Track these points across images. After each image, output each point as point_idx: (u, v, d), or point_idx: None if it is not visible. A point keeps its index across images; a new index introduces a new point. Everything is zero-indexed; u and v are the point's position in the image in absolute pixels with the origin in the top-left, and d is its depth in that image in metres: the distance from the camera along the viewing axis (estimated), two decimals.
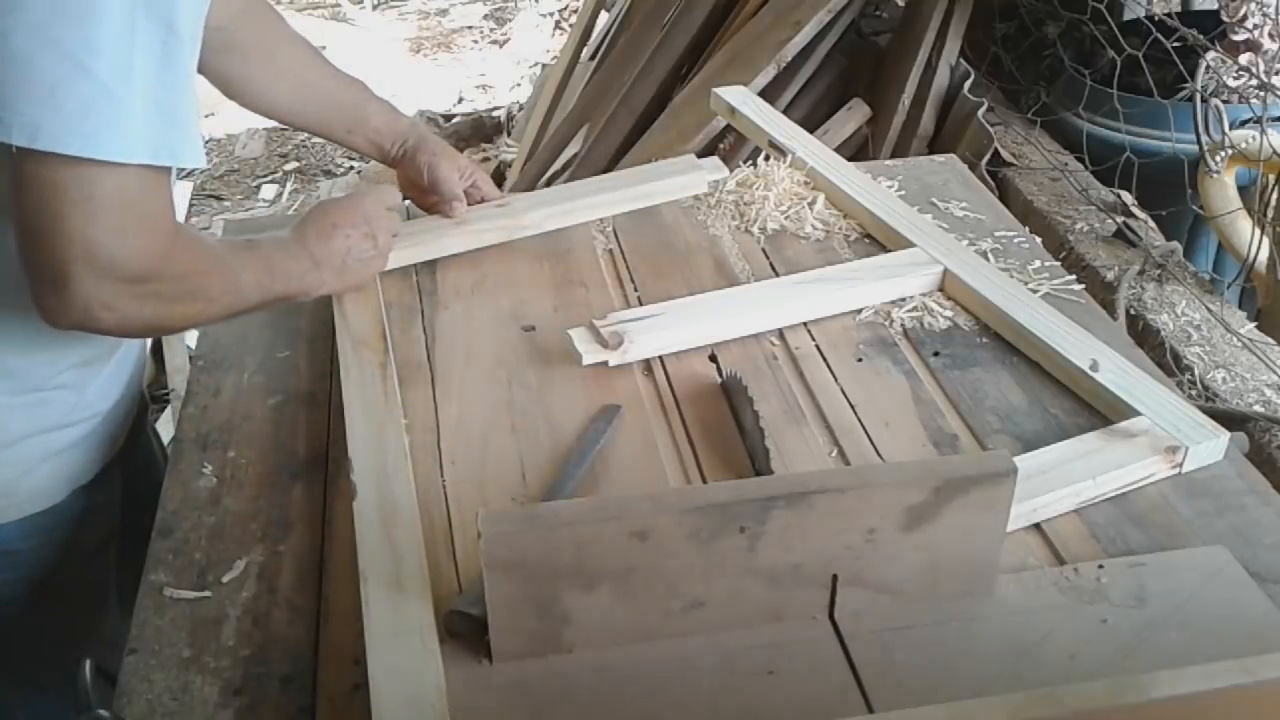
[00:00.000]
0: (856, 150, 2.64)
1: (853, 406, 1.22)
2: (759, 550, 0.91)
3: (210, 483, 1.15)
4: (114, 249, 0.98)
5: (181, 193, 4.08)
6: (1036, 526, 1.07)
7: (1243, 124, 2.06)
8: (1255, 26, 2.27)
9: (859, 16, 2.79)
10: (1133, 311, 1.93)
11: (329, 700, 0.93)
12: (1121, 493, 1.11)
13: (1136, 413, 1.17)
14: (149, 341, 1.87)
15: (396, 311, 1.37)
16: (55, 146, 0.93)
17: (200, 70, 1.13)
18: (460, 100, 5.09)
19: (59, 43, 0.92)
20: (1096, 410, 1.21)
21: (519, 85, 5.13)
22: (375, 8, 6.13)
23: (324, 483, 1.15)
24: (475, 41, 5.77)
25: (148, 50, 0.96)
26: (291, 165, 4.62)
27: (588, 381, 1.25)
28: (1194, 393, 1.75)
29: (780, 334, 1.33)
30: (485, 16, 6.02)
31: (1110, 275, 2.01)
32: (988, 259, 1.45)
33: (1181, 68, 2.14)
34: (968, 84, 2.54)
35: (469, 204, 1.47)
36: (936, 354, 1.30)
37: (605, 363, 1.26)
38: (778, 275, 1.44)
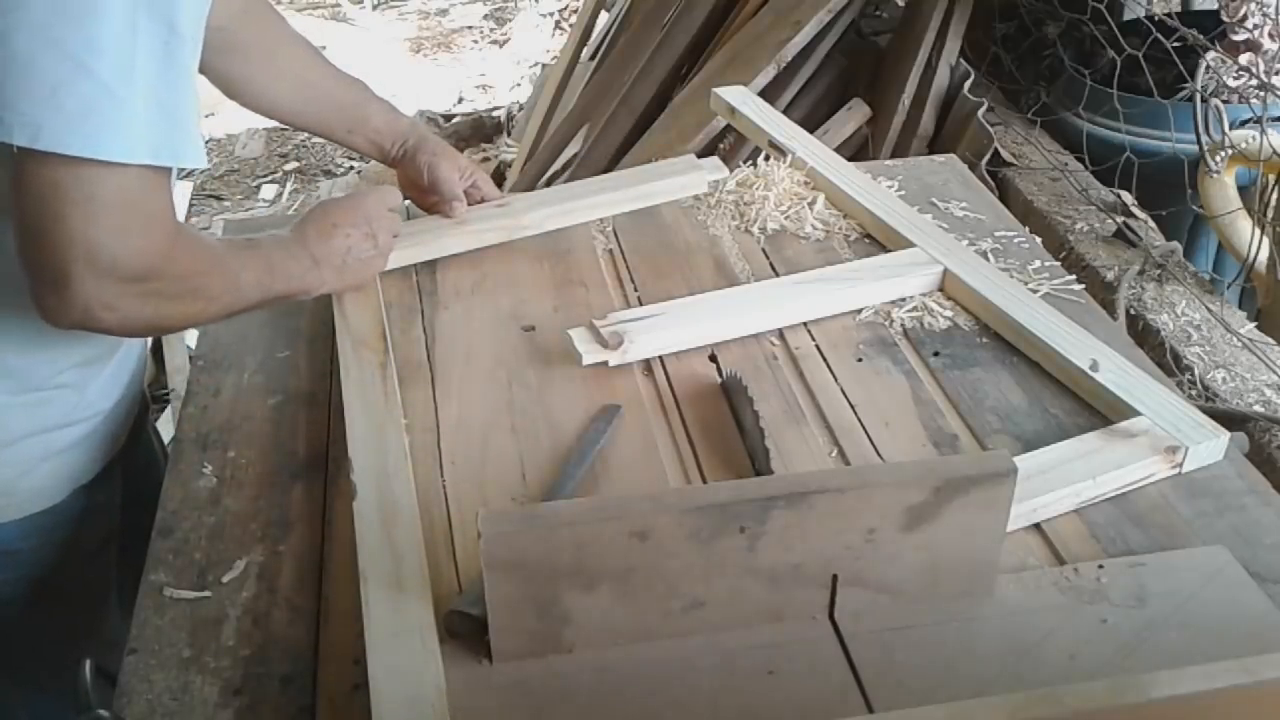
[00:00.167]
0: (856, 150, 2.64)
1: (853, 406, 1.22)
2: (759, 550, 0.91)
3: (210, 483, 1.15)
4: (115, 249, 0.98)
5: (181, 193, 4.08)
6: (1036, 526, 1.07)
7: (1243, 124, 2.06)
8: (1255, 26, 2.26)
9: (859, 16, 2.79)
10: (1133, 311, 1.93)
11: (329, 700, 0.93)
12: (1121, 493, 1.11)
13: (1136, 413, 1.17)
14: (149, 341, 1.87)
15: (396, 311, 1.37)
16: (56, 147, 0.93)
17: (201, 70, 1.13)
18: (460, 100, 5.09)
19: (60, 43, 0.92)
20: (1096, 410, 1.21)
21: (519, 85, 5.13)
22: (375, 8, 6.13)
23: (324, 483, 1.15)
24: (475, 41, 5.76)
25: (149, 50, 0.96)
26: (291, 165, 4.62)
27: (588, 381, 1.25)
28: (1194, 393, 1.75)
29: (780, 334, 1.33)
30: (485, 16, 6.02)
31: (1110, 275, 2.01)
32: (988, 259, 1.45)
33: (1181, 68, 2.14)
34: (968, 84, 2.54)
35: (469, 204, 1.47)
36: (936, 354, 1.30)
37: (605, 363, 1.26)
38: (778, 275, 1.44)
